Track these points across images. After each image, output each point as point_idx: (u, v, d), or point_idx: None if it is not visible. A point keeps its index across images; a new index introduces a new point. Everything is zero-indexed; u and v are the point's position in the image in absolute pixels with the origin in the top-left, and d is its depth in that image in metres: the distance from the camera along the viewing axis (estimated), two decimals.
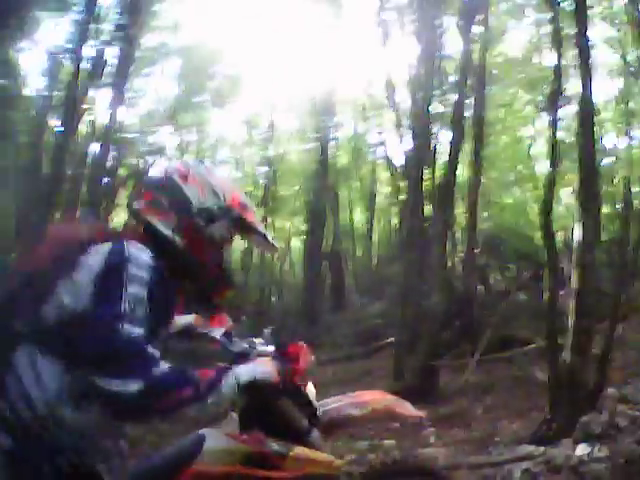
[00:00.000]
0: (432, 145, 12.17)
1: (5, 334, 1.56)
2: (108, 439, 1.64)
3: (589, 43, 6.83)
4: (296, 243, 27.02)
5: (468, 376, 9.71)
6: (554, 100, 6.49)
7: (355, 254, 23.41)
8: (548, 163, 6.62)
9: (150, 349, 1.50)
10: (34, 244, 1.76)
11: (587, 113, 6.36)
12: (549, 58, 9.77)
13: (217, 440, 1.82)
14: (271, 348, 1.99)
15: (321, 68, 20.30)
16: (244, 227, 1.85)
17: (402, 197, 14.49)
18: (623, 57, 18.19)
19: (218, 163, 26.58)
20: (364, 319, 15.31)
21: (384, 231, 24.56)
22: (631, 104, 19.90)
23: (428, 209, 11.26)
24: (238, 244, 26.23)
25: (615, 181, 20.89)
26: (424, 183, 10.82)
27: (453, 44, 12.85)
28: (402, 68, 15.57)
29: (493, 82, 17.62)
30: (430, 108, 10.93)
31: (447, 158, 10.69)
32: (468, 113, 12.21)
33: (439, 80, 12.17)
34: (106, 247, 1.59)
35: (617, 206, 19.12)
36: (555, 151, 6.63)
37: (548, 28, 9.56)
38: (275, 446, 1.85)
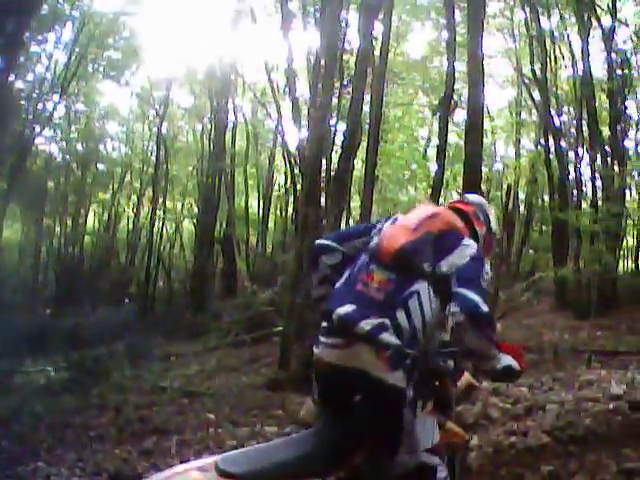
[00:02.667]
0: (330, 136, 12.28)
1: (415, 269, 2.25)
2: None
3: (483, 52, 7.13)
4: (188, 225, 26.51)
5: None
6: (445, 104, 6.72)
7: (249, 240, 23.31)
8: (439, 163, 6.83)
9: None
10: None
11: (475, 119, 6.64)
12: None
13: None
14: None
15: (222, 48, 19.93)
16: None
17: (298, 186, 14.56)
18: (518, 69, 19.28)
19: (107, 137, 25.56)
20: (254, 306, 15.25)
21: (279, 219, 24.61)
22: (523, 115, 21.20)
23: (324, 200, 11.38)
24: (123, 224, 25.37)
25: (504, 186, 22.28)
26: (320, 174, 10.89)
27: (357, 38, 12.99)
28: (304, 57, 15.60)
29: (394, 81, 18.11)
30: (329, 100, 10.99)
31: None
32: (367, 108, 12.46)
33: (340, 73, 12.28)
34: (472, 243, 2.37)
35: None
36: (444, 153, 6.88)
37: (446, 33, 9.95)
38: (440, 417, 2.44)
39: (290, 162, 16.51)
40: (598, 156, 15.62)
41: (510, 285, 16.67)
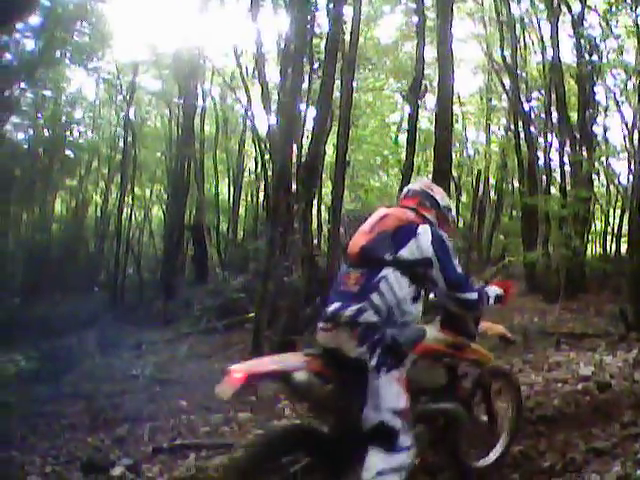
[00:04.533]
0: (300, 122, 12.19)
1: (378, 261, 2.85)
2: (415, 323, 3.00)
3: (453, 37, 7.12)
4: (157, 212, 26.21)
5: None
6: (415, 89, 6.70)
7: (220, 227, 23.13)
8: (408, 149, 6.82)
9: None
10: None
11: (445, 104, 6.65)
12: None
13: (433, 331, 3.15)
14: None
15: (190, 32, 19.62)
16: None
17: (269, 172, 14.45)
18: (488, 54, 19.36)
19: (74, 123, 25.04)
20: (225, 293, 15.15)
21: (251, 205, 24.45)
22: (493, 100, 21.34)
23: (295, 186, 11.32)
24: (91, 211, 24.93)
25: (475, 172, 22.48)
26: (291, 160, 10.83)
27: (327, 22, 12.87)
28: (273, 41, 15.42)
29: (365, 66, 18.04)
30: (299, 85, 10.91)
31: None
32: (338, 93, 12.38)
33: (309, 57, 12.18)
34: (428, 227, 2.96)
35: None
36: (414, 138, 6.88)
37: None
38: (463, 339, 3.31)
39: (260, 148, 16.37)
40: (567, 141, 15.81)
41: (481, 270, 16.82)
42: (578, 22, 15.57)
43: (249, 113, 17.25)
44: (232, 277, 16.39)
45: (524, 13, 17.56)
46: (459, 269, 2.96)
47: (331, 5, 11.97)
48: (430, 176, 7.16)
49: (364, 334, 2.75)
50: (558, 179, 16.91)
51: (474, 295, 2.99)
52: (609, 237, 19.92)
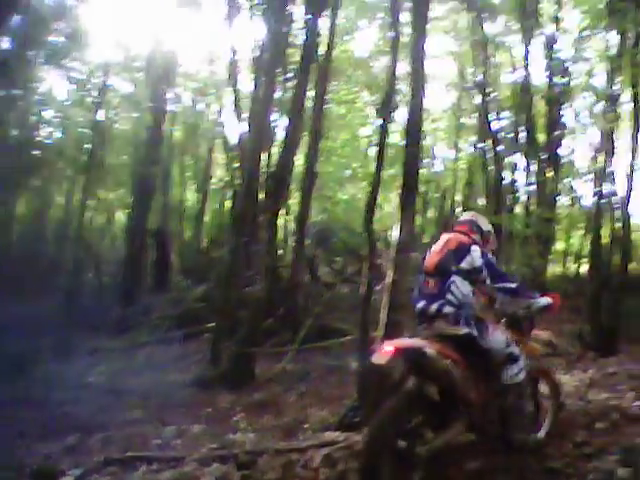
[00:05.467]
0: (271, 131, 12.12)
1: (447, 271, 4.02)
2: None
3: (426, 54, 7.11)
4: (120, 217, 25.74)
5: (285, 364, 9.85)
6: (386, 103, 6.68)
7: (184, 234, 22.80)
8: (377, 163, 6.79)
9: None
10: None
11: (415, 120, 6.63)
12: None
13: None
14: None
15: (164, 35, 19.38)
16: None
17: (237, 180, 14.29)
18: (461, 72, 19.57)
19: (42, 123, 24.51)
20: (186, 301, 14.89)
21: (216, 213, 24.17)
22: (463, 118, 21.56)
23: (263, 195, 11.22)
24: (54, 215, 24.25)
25: (442, 188, 22.67)
26: (259, 169, 10.71)
27: (302, 33, 12.84)
28: (247, 49, 15.32)
29: (338, 78, 18.04)
30: (271, 94, 10.84)
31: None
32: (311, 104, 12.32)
33: (283, 67, 12.14)
34: (477, 247, 4.12)
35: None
36: (382, 152, 6.86)
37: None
38: (520, 335, 4.39)
39: (229, 155, 16.22)
40: (533, 162, 16.04)
41: None
42: (550, 44, 15.85)
43: (220, 120, 17.13)
44: (194, 285, 16.14)
45: (498, 33, 17.81)
46: (501, 269, 4.32)
47: (307, 16, 11.96)
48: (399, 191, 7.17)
49: (456, 319, 3.98)
50: (523, 198, 17.15)
51: (513, 285, 4.17)
52: (570, 257, 20.23)
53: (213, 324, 10.71)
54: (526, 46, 16.16)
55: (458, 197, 22.40)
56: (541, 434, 4.53)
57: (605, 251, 14.03)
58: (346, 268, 15.82)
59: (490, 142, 16.95)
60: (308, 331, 10.66)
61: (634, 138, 13.76)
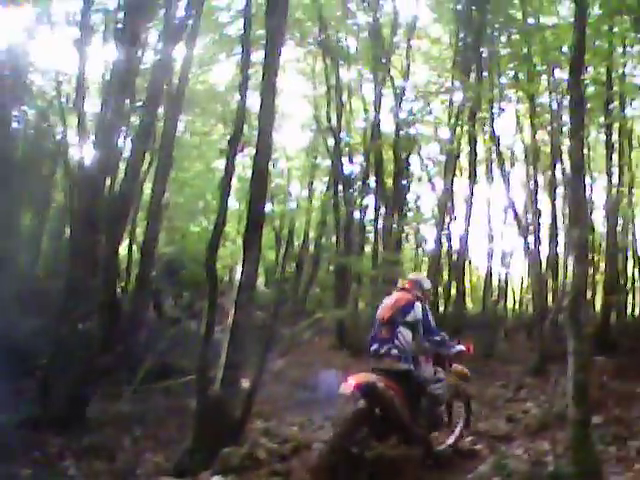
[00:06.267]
0: (117, 157, 11.58)
1: (396, 322, 5.53)
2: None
3: (284, 93, 7.17)
4: None
5: (122, 405, 9.26)
6: (234, 140, 6.59)
7: (20, 260, 20.87)
8: (222, 200, 6.64)
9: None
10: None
11: (263, 157, 6.61)
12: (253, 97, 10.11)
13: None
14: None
15: (12, 49, 17.97)
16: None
17: (76, 206, 13.42)
18: (315, 114, 20.10)
19: None
20: (16, 335, 13.57)
21: (55, 240, 22.52)
22: (319, 159, 22.10)
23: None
24: None
25: (297, 225, 23.00)
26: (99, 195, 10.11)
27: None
28: (97, 72, 14.67)
29: (194, 109, 17.80)
30: (118, 119, 10.38)
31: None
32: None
33: (132, 93, 11.70)
34: (419, 304, 5.71)
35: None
36: (228, 187, 6.74)
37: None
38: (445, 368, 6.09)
39: (71, 179, 15.19)
40: (382, 206, 16.74)
41: (295, 322, 16.99)
42: (400, 94, 16.77)
43: (63, 141, 16.05)
44: (26, 317, 14.80)
45: (352, 79, 18.58)
46: (433, 324, 5.73)
47: (161, 44, 11.71)
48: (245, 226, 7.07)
49: (400, 358, 5.37)
50: (372, 239, 17.81)
51: (438, 338, 5.70)
52: None
53: (45, 360, 9.82)
54: (378, 95, 16.99)
55: (312, 234, 22.82)
56: (445, 446, 6.16)
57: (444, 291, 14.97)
58: (194, 303, 15.36)
59: (342, 184, 17.48)
60: (149, 370, 10.12)
61: (470, 188, 14.94)
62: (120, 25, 12.03)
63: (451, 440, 6.27)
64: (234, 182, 17.52)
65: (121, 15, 11.99)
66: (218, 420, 6.35)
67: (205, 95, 17.63)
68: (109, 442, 7.79)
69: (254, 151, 6.89)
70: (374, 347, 5.53)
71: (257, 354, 7.13)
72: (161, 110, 12.19)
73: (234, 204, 19.53)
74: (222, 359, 6.24)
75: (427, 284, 6.12)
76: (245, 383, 6.87)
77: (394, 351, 5.37)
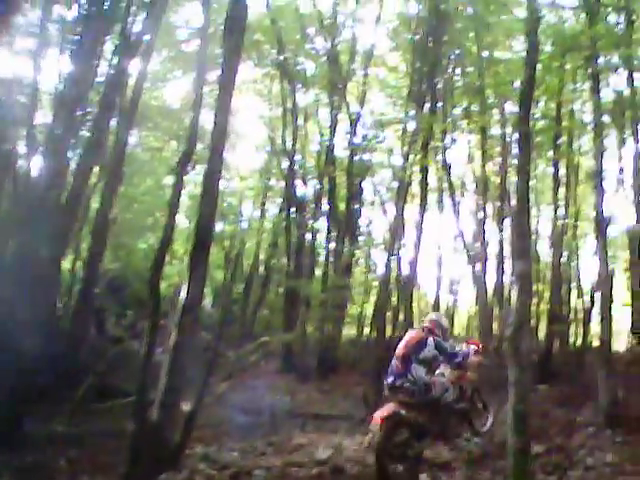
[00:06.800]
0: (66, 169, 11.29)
1: (410, 358, 6.40)
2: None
3: (237, 112, 7.14)
4: None
5: (59, 425, 8.96)
6: (184, 159, 6.52)
7: None
8: (169, 218, 6.53)
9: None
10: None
11: (211, 182, 6.54)
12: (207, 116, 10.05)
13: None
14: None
15: None
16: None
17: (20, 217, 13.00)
18: (270, 136, 20.14)
19: None
20: None
21: None
22: (272, 180, 22.05)
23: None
24: None
25: (247, 246, 22.83)
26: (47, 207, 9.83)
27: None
28: (50, 83, 14.33)
29: (146, 125, 17.57)
30: (69, 132, 10.17)
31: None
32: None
33: (84, 106, 11.52)
34: (432, 340, 6.50)
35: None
36: (177, 205, 6.65)
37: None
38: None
39: (18, 190, 14.73)
40: (333, 230, 16.79)
41: (242, 344, 16.78)
42: (355, 121, 16.94)
43: (13, 153, 15.56)
44: None
45: (308, 103, 18.69)
46: (449, 350, 6.58)
47: (116, 58, 11.57)
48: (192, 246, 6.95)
49: (411, 391, 6.18)
50: (323, 262, 17.80)
51: (460, 359, 6.64)
52: (365, 321, 21.23)
53: None
54: (333, 119, 17.15)
55: (262, 256, 22.67)
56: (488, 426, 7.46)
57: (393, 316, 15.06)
58: (137, 322, 15.00)
59: (294, 206, 17.49)
60: (88, 390, 9.84)
61: (421, 215, 15.15)
62: (77, 37, 11.87)
63: (489, 424, 7.49)
64: (185, 200, 17.43)
65: (78, 28, 11.80)
66: (156, 444, 6.16)
67: (158, 111, 17.43)
68: (45, 463, 7.52)
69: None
70: (390, 380, 6.33)
71: (199, 377, 7.01)
72: (113, 123, 11.99)
73: (184, 222, 19.25)
74: (162, 381, 6.05)
75: (446, 324, 7.13)
76: (185, 406, 6.71)
77: (407, 384, 6.19)
